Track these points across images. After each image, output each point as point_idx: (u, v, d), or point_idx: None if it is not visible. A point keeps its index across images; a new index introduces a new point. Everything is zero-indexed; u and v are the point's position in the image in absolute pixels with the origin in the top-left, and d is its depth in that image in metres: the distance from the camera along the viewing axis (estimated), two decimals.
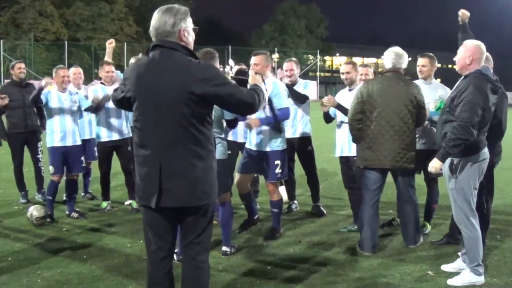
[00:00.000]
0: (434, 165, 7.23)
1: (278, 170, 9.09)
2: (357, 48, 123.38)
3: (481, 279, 7.35)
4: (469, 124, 6.91)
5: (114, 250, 8.59)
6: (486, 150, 7.42)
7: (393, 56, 8.84)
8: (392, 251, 8.59)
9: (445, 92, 9.18)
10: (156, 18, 5.01)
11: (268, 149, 8.98)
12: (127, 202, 11.50)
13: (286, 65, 10.85)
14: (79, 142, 10.65)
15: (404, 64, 8.96)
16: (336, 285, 7.16)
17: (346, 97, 9.54)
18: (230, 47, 61.56)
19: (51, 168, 10.32)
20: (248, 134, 9.40)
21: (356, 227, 9.48)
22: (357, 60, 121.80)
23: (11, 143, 11.89)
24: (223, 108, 5.35)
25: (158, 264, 5.28)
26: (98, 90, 10.69)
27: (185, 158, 4.90)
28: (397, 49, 9.05)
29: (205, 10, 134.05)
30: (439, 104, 8.92)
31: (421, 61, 9.47)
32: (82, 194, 12.49)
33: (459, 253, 7.86)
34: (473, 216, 7.37)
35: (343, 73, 9.91)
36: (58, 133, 10.29)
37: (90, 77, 64.10)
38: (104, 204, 11.22)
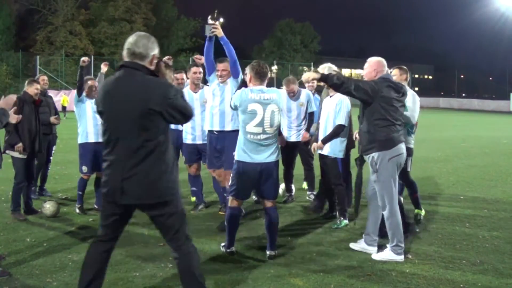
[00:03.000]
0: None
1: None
2: (346, 61, 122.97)
3: (400, 258, 7.57)
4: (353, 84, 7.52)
5: (133, 237, 8.59)
6: (402, 146, 7.64)
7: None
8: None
9: (411, 95, 9.22)
10: (137, 40, 5.21)
11: (227, 140, 8.90)
12: None
13: (290, 88, 10.97)
14: None
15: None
16: (328, 268, 7.21)
17: (327, 103, 9.53)
18: None
19: (84, 168, 10.29)
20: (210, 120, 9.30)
21: (346, 221, 9.40)
22: (346, 71, 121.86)
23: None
24: (169, 119, 5.11)
25: (98, 243, 5.50)
26: None
27: (144, 164, 5.00)
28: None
29: None
30: None
31: (392, 72, 9.60)
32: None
33: (363, 234, 8.09)
34: (395, 203, 7.62)
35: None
36: (92, 134, 10.27)
37: None
38: None
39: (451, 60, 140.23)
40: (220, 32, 8.84)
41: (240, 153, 7.48)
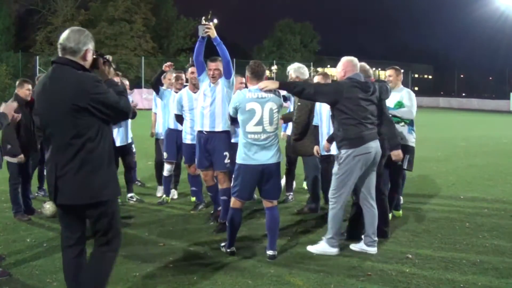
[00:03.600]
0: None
1: (227, 160, 9.01)
2: None
3: (333, 250, 7.77)
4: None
5: (133, 238, 8.60)
6: (371, 144, 7.68)
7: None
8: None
9: (407, 93, 9.47)
10: (69, 35, 5.07)
11: (218, 141, 8.89)
12: (128, 195, 11.36)
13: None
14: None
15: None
16: (328, 268, 7.22)
17: None
18: (234, 60, 61.54)
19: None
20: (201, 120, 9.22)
21: None
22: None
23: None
24: (100, 116, 4.94)
25: (66, 250, 5.40)
26: None
27: (73, 162, 4.89)
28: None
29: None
30: (394, 103, 9.47)
31: (388, 72, 9.64)
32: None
33: (362, 236, 8.10)
34: (344, 199, 7.78)
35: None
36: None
37: None
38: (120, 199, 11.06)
39: (451, 59, 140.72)
40: (213, 33, 8.81)
41: (241, 155, 7.47)
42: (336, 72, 8.15)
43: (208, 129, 9.02)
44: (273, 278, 6.77)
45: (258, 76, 7.56)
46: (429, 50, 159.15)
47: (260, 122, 7.35)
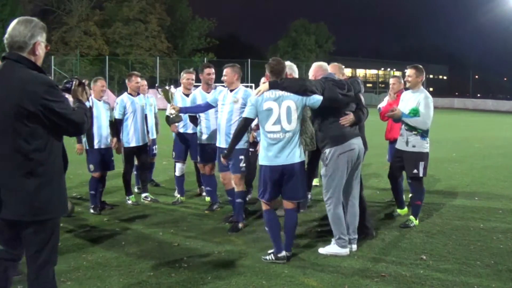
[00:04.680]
0: None
1: (242, 164, 9.05)
2: (360, 61, 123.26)
3: (344, 251, 7.79)
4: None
5: (148, 237, 8.65)
6: (353, 141, 7.75)
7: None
8: (389, 239, 8.60)
9: (424, 99, 9.23)
10: (14, 28, 4.54)
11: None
12: (143, 195, 11.45)
13: None
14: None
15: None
16: (342, 268, 7.22)
17: None
18: (249, 60, 61.61)
19: (91, 166, 10.39)
20: (218, 135, 9.39)
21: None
22: (360, 71, 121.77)
23: None
24: (52, 127, 4.49)
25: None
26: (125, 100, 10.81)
27: (18, 173, 4.42)
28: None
29: (227, 28, 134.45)
30: (410, 109, 9.21)
31: (407, 72, 9.57)
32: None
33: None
34: (338, 198, 7.78)
35: None
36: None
37: (126, 87, 63.92)
38: (133, 198, 11.17)
39: (466, 60, 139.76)
40: (178, 117, 9.83)
41: (262, 157, 7.50)
42: (310, 76, 8.25)
43: (224, 146, 9.12)
44: (287, 279, 6.77)
45: (277, 73, 7.51)
46: (444, 50, 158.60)
47: (278, 121, 7.30)
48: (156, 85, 40.81)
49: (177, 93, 10.67)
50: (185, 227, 9.24)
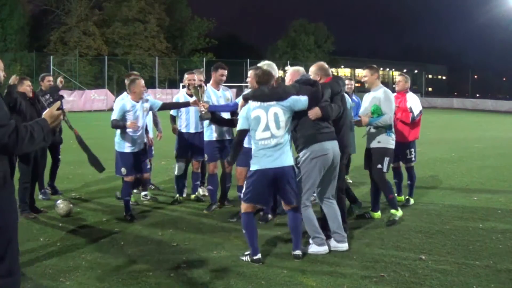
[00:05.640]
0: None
1: None
2: (359, 61, 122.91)
3: (323, 249, 7.85)
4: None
5: (147, 237, 8.65)
6: (325, 145, 7.82)
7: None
8: (388, 239, 8.61)
9: (383, 93, 9.39)
10: None
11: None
12: (142, 194, 11.49)
13: None
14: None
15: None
16: (341, 268, 7.23)
17: None
18: (248, 60, 61.53)
19: (123, 170, 10.06)
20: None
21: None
22: (359, 71, 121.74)
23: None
24: None
25: None
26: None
27: None
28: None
29: (227, 28, 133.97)
30: (372, 109, 9.37)
31: (363, 73, 9.66)
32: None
33: (331, 234, 8.15)
34: (307, 199, 7.90)
35: None
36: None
37: (125, 87, 64.00)
38: (133, 198, 11.02)
39: (465, 60, 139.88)
40: (207, 114, 9.59)
41: (253, 162, 7.57)
42: (286, 82, 8.37)
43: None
44: (286, 279, 6.77)
45: (264, 83, 7.75)
46: (443, 50, 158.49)
47: (267, 128, 7.45)
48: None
49: (180, 94, 10.72)
50: (184, 227, 9.24)
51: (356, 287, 6.55)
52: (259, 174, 7.47)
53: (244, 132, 7.72)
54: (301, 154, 7.85)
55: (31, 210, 10.09)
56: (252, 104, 7.60)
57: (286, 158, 7.46)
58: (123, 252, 7.86)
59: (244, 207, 7.64)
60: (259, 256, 7.47)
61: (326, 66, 8.75)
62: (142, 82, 10.13)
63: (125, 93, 10.42)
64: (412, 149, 10.91)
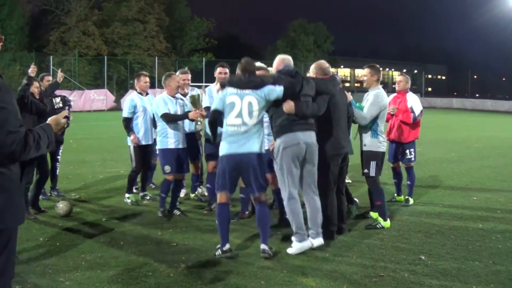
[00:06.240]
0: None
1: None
2: (358, 61, 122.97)
3: (306, 244, 7.85)
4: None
5: (146, 237, 8.65)
6: (298, 135, 7.84)
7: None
8: (388, 240, 8.61)
9: (373, 96, 9.31)
10: None
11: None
12: (141, 194, 11.51)
13: None
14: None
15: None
16: (341, 268, 7.22)
17: None
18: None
19: (167, 168, 9.97)
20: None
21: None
22: (359, 71, 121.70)
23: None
24: None
25: None
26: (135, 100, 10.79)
27: None
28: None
29: (226, 28, 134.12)
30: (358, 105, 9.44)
31: (363, 71, 9.63)
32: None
33: (308, 230, 8.10)
34: (290, 193, 7.91)
35: None
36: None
37: (125, 87, 64.47)
38: (133, 197, 11.10)
39: (465, 60, 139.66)
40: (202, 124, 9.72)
41: (222, 147, 7.80)
42: (273, 69, 8.57)
43: None
44: (286, 279, 6.77)
45: (248, 73, 7.94)
46: (443, 50, 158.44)
47: (239, 115, 7.69)
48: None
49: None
50: (184, 227, 9.23)
51: (356, 287, 6.56)
52: (225, 159, 7.73)
53: (216, 113, 7.94)
54: (275, 145, 7.96)
55: (35, 209, 10.18)
56: (229, 90, 7.82)
57: (252, 145, 7.68)
58: (122, 252, 7.85)
59: (218, 197, 7.88)
60: (227, 246, 7.69)
61: (326, 65, 8.84)
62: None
63: (134, 92, 10.79)
64: (412, 149, 10.92)
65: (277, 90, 7.77)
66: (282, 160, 7.84)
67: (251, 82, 7.76)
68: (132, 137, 10.71)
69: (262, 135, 7.89)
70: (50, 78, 11.93)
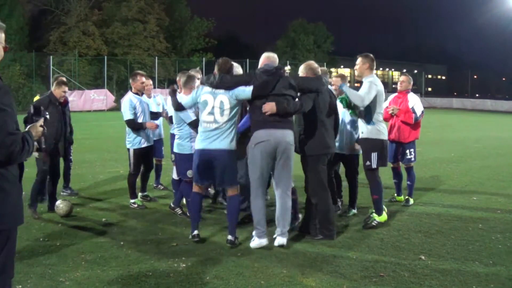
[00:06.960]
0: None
1: None
2: None
3: (263, 241, 8.04)
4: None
5: (146, 237, 8.64)
6: (272, 132, 7.94)
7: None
8: (388, 239, 8.61)
9: (367, 82, 9.22)
10: None
11: None
12: (142, 194, 11.43)
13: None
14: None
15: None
16: (341, 268, 7.22)
17: None
18: (247, 60, 61.49)
19: (189, 172, 9.46)
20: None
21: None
22: None
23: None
24: None
25: None
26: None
27: None
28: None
29: (226, 28, 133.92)
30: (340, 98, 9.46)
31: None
32: (154, 185, 12.66)
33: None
34: (257, 188, 8.11)
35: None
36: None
37: (125, 87, 64.38)
38: (139, 201, 10.92)
39: (464, 60, 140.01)
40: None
41: (196, 141, 8.37)
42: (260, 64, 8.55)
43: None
44: (286, 279, 6.76)
45: (224, 71, 8.27)
46: (443, 50, 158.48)
47: (211, 113, 8.09)
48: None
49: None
50: (184, 227, 9.21)
51: (356, 287, 6.56)
52: (197, 154, 8.24)
53: (181, 106, 8.67)
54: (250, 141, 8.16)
55: (51, 207, 10.21)
56: (205, 88, 8.25)
57: (223, 142, 8.06)
58: (122, 252, 7.85)
59: (194, 187, 8.50)
60: (195, 232, 8.37)
61: (316, 65, 8.91)
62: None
63: (129, 92, 10.83)
64: (412, 149, 10.92)
65: (246, 91, 8.00)
66: (252, 155, 8.07)
67: (225, 83, 8.04)
68: (149, 125, 10.56)
69: (235, 132, 8.16)
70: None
